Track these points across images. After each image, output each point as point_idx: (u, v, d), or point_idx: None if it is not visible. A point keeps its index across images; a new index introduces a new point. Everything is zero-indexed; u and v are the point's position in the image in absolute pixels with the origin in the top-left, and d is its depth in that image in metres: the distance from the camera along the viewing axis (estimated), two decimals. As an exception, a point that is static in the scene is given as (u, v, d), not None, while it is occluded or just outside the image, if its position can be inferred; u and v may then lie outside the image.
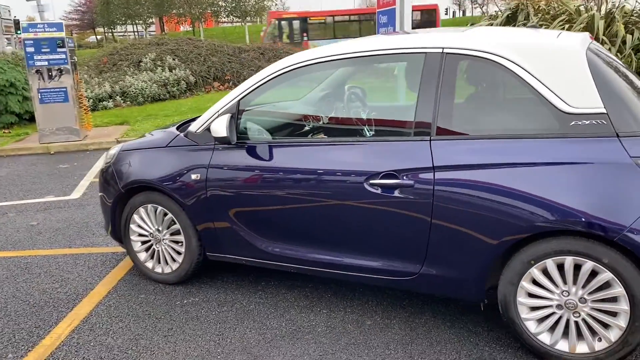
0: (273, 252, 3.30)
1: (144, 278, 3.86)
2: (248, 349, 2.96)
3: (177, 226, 3.60)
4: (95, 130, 10.11)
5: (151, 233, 3.73)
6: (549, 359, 2.68)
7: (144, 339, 3.09)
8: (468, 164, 2.68)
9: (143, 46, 15.18)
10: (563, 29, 10.68)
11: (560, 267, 2.59)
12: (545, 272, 2.62)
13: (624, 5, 12.00)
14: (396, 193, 2.83)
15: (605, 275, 2.48)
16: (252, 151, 3.25)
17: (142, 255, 3.82)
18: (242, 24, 43.71)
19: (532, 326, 2.70)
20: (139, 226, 3.76)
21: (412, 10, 13.18)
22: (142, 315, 3.36)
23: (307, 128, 3.35)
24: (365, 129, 3.32)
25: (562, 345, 2.65)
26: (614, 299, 2.51)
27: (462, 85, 2.81)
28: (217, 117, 3.32)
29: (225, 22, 51.21)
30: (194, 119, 4.17)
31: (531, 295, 2.68)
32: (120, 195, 3.72)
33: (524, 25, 12.02)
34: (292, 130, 3.43)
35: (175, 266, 3.69)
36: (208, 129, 3.39)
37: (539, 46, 2.71)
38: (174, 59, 14.22)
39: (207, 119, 3.42)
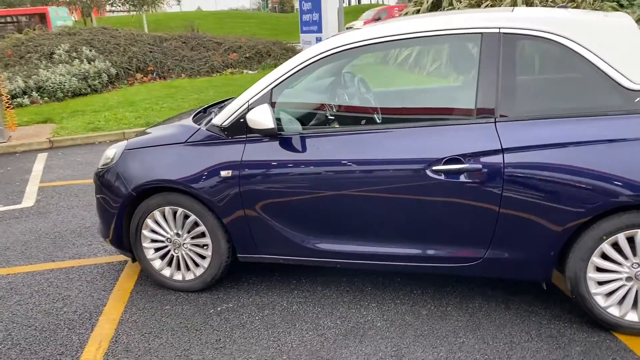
0: (319, 248, 3.13)
1: (159, 287, 3.53)
2: (315, 352, 2.78)
3: (201, 228, 3.30)
4: (18, 130, 9.15)
5: (169, 238, 3.40)
6: (620, 329, 2.76)
7: (194, 354, 2.81)
8: (537, 144, 2.67)
9: (53, 36, 13.91)
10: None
11: (630, 240, 2.66)
12: (615, 246, 2.68)
13: None
14: (462, 178, 2.76)
15: (678, 244, 2.58)
16: (293, 143, 3.04)
17: (157, 263, 3.48)
18: (139, 12, 41.59)
19: (601, 300, 2.76)
20: (153, 231, 3.41)
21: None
22: (178, 328, 3.06)
23: (349, 116, 3.18)
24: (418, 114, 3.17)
25: (632, 316, 2.74)
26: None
27: (521, 65, 2.79)
28: (252, 107, 3.06)
29: (114, 11, 48.23)
30: (204, 110, 3.85)
31: (600, 270, 2.73)
32: (131, 198, 3.35)
33: (450, 9, 12.43)
34: (332, 120, 3.26)
35: (199, 272, 3.40)
36: (238, 121, 3.13)
37: (596, 23, 2.75)
38: (90, 50, 13.18)
39: (236, 110, 3.16)
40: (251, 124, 3.01)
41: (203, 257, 3.39)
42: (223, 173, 3.14)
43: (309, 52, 3.09)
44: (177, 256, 3.43)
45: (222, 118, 3.21)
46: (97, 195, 3.57)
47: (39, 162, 7.28)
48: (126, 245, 3.53)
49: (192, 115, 3.64)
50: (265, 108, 2.97)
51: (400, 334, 2.89)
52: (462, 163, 2.75)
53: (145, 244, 3.45)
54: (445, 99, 3.13)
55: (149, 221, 3.39)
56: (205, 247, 3.35)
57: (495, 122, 2.75)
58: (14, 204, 5.49)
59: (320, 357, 2.74)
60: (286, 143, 3.06)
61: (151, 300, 3.39)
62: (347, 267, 3.17)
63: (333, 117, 3.27)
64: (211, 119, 3.48)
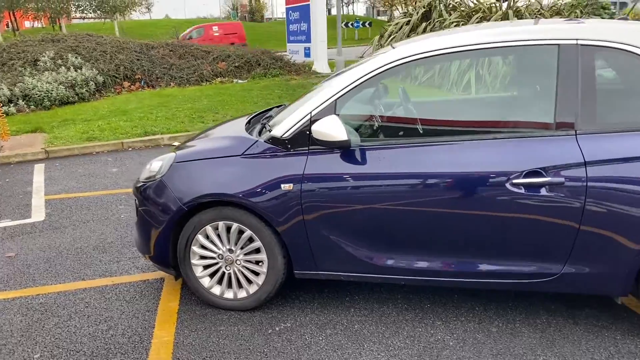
0: (384, 264, 3.02)
1: (206, 307, 3.36)
2: (394, 374, 2.67)
3: (255, 244, 3.16)
4: (9, 140, 8.78)
5: (220, 254, 3.24)
6: (701, 345, 2.72)
7: (266, 379, 2.66)
8: (620, 158, 2.62)
9: (36, 43, 13.47)
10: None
11: None
12: (696, 261, 2.65)
13: (529, 3, 12.98)
14: (543, 192, 2.69)
15: None
16: (361, 155, 2.93)
17: (206, 281, 3.31)
18: (109, 20, 40.90)
19: (681, 315, 2.72)
20: (203, 247, 3.25)
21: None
22: (239, 351, 2.90)
23: (416, 129, 3.08)
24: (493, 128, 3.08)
25: None
26: None
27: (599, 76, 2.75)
28: (315, 119, 2.95)
29: (84, 17, 47.12)
30: (249, 120, 3.71)
31: (680, 283, 2.70)
32: (181, 213, 3.19)
33: (440, 22, 12.53)
34: (399, 132, 3.15)
35: (253, 289, 3.25)
36: (300, 133, 3.01)
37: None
38: (76, 57, 12.80)
39: (298, 121, 3.04)
40: (318, 136, 2.90)
41: (257, 274, 3.24)
42: (284, 186, 3.01)
43: (375, 62, 2.99)
44: (229, 273, 3.27)
45: (282, 130, 3.08)
46: (140, 209, 3.39)
47: (38, 174, 6.98)
48: (170, 262, 3.35)
49: (244, 125, 3.50)
50: (334, 119, 2.85)
51: (476, 354, 2.80)
52: (544, 176, 2.68)
53: (194, 261, 3.29)
54: (518, 111, 3.06)
55: (200, 237, 3.23)
56: (260, 264, 3.20)
57: (576, 134, 2.69)
58: (23, 218, 5.22)
59: (400, 379, 2.63)
60: (352, 155, 2.95)
61: (202, 320, 3.22)
62: (413, 284, 3.07)
63: (396, 129, 3.17)
64: (263, 130, 3.36)
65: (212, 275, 3.31)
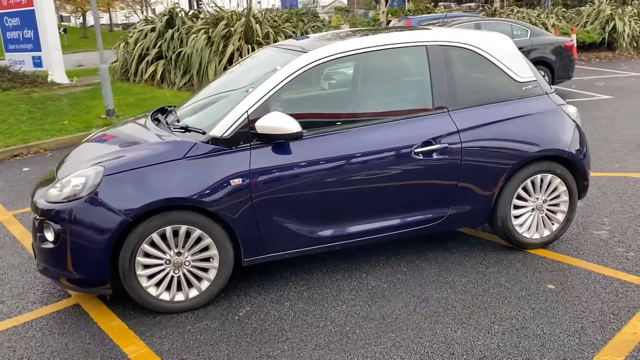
0: (323, 235, 3.54)
1: (153, 315, 3.34)
2: (339, 331, 3.25)
3: (204, 242, 3.32)
4: None
5: (168, 259, 3.29)
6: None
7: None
8: (479, 124, 3.71)
9: None
10: (227, 31, 12.16)
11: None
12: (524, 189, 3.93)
13: (269, 10, 14.37)
14: (434, 155, 3.61)
15: None
16: (302, 144, 3.39)
17: (153, 290, 3.31)
18: None
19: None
20: (147, 256, 3.24)
21: None
22: (222, 341, 3.09)
23: (337, 119, 3.62)
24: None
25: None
26: None
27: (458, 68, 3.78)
28: (254, 117, 3.29)
29: None
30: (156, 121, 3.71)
31: (516, 208, 3.95)
32: (125, 225, 3.13)
33: (187, 30, 12.88)
34: (324, 122, 3.62)
35: (204, 285, 3.39)
36: (240, 131, 3.31)
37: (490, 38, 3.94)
38: None
39: (236, 120, 3.32)
40: (266, 131, 3.25)
41: (206, 271, 3.39)
42: (233, 182, 3.27)
43: (295, 64, 3.47)
44: (178, 276, 3.34)
45: (221, 130, 3.32)
46: (62, 231, 3.16)
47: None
48: (108, 279, 3.24)
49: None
50: (281, 114, 3.25)
51: (408, 288, 3.57)
52: (434, 144, 3.60)
53: (139, 272, 3.25)
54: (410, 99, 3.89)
55: (145, 245, 3.21)
56: (211, 260, 3.37)
57: (448, 112, 3.68)
58: None
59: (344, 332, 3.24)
60: (297, 145, 3.37)
61: (162, 328, 3.23)
62: (345, 247, 3.67)
63: (321, 119, 3.67)
64: (185, 129, 3.50)
65: (158, 283, 3.32)
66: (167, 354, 2.98)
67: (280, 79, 3.43)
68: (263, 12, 14.03)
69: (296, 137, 3.32)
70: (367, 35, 3.81)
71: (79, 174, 3.27)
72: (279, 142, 3.37)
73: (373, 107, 3.77)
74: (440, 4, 35.74)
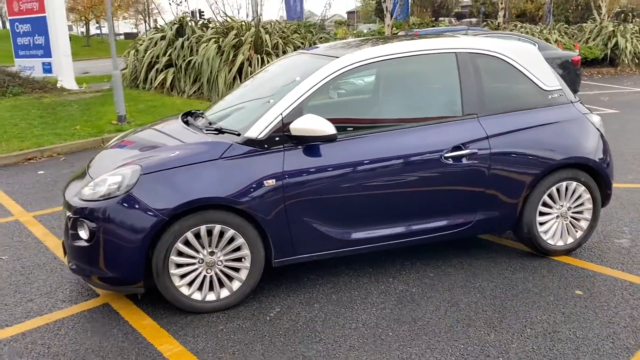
0: (351, 238, 3.57)
1: (184, 314, 3.35)
2: (372, 327, 3.27)
3: (237, 242, 3.34)
4: None
5: (201, 259, 3.31)
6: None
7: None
8: (505, 131, 3.75)
9: None
10: (237, 41, 12.26)
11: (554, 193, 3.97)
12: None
13: (278, 22, 14.49)
14: (464, 160, 3.65)
15: None
16: (336, 147, 3.42)
17: (186, 290, 3.32)
18: None
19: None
20: (181, 255, 3.26)
21: None
22: (256, 341, 3.10)
23: (371, 122, 3.67)
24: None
25: (560, 242, 4.07)
26: None
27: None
28: (289, 120, 3.34)
29: None
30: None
31: (541, 215, 3.99)
32: (161, 224, 3.15)
33: (197, 39, 12.95)
34: (359, 125, 3.66)
35: (236, 286, 3.41)
36: (275, 133, 3.35)
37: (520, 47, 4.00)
38: None
39: (271, 122, 3.36)
40: (301, 133, 3.29)
41: (237, 271, 3.41)
42: (267, 183, 3.30)
43: (327, 69, 3.52)
44: (210, 276, 3.35)
45: (256, 131, 3.35)
46: (98, 229, 3.18)
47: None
48: (141, 278, 3.25)
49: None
50: (317, 117, 3.29)
51: (437, 292, 3.59)
52: (463, 149, 3.64)
53: (172, 270, 3.27)
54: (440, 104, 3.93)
55: (179, 244, 3.24)
56: (243, 260, 3.38)
57: (478, 118, 3.73)
58: None
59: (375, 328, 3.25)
60: (320, 149, 3.41)
61: (194, 327, 3.24)
62: (372, 250, 3.70)
63: (355, 123, 3.71)
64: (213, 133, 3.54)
65: (190, 282, 3.34)
66: (203, 353, 2.99)
67: (313, 83, 3.47)
68: (272, 23, 14.14)
69: (331, 139, 3.35)
70: (386, 42, 3.87)
71: (115, 173, 3.30)
72: (311, 145, 3.41)
73: (403, 112, 3.82)
74: (441, 19, 36.13)
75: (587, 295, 3.51)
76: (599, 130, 4.08)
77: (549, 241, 4.00)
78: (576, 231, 4.05)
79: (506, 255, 4.13)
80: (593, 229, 4.10)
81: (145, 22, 55.61)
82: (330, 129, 3.30)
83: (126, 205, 3.16)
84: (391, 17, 19.79)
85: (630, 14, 24.70)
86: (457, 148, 3.64)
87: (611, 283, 3.67)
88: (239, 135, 3.41)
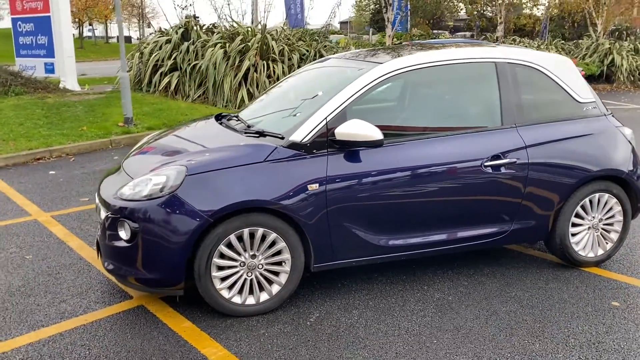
0: (390, 245, 3.55)
1: (224, 318, 3.31)
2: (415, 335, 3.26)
3: (278, 246, 3.31)
4: None
5: (242, 262, 3.27)
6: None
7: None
8: (543, 142, 3.77)
9: None
10: (243, 46, 12.26)
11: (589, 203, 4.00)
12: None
13: (283, 29, 14.51)
14: (502, 169, 3.66)
15: None
16: (380, 152, 3.41)
17: (226, 293, 3.29)
18: None
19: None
20: (223, 257, 3.23)
21: None
22: (300, 345, 3.07)
23: (416, 129, 3.69)
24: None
25: (590, 253, 4.08)
26: None
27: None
28: (333, 125, 3.33)
29: None
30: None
31: (573, 226, 4.01)
32: (205, 226, 3.12)
33: (202, 43, 12.92)
34: (401, 131, 3.66)
35: (275, 289, 3.37)
36: (318, 137, 3.33)
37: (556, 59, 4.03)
38: None
39: (315, 127, 3.35)
40: (347, 137, 3.28)
41: (276, 274, 3.37)
42: (310, 188, 3.29)
43: (371, 75, 3.52)
44: (250, 280, 3.32)
45: (301, 135, 3.34)
46: (140, 230, 3.14)
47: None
48: (182, 280, 3.21)
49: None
50: (363, 122, 3.29)
51: (474, 301, 3.59)
52: (502, 159, 3.65)
53: (214, 273, 3.23)
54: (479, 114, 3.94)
55: (222, 247, 3.20)
56: (283, 264, 3.35)
57: (516, 127, 3.75)
58: None
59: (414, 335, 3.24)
60: (363, 154, 3.40)
61: (235, 331, 3.20)
62: (410, 258, 3.69)
63: (398, 129, 3.70)
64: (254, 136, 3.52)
65: (231, 285, 3.30)
66: (247, 357, 2.95)
67: (357, 88, 3.47)
68: (278, 30, 14.15)
69: (377, 144, 3.34)
70: (425, 50, 3.88)
71: (159, 173, 3.26)
72: (354, 150, 3.40)
73: (443, 120, 3.82)
74: (436, 31, 36.42)
75: (623, 307, 3.52)
76: (630, 143, 4.12)
77: (580, 252, 4.02)
78: (606, 243, 4.07)
79: (537, 266, 4.14)
80: (623, 241, 4.13)
81: (139, 26, 55.54)
82: (377, 134, 3.29)
83: (171, 206, 3.13)
84: (392, 27, 19.94)
85: (624, 32, 25.08)
86: (496, 157, 3.65)
87: (645, 295, 3.69)
88: (282, 138, 3.39)
